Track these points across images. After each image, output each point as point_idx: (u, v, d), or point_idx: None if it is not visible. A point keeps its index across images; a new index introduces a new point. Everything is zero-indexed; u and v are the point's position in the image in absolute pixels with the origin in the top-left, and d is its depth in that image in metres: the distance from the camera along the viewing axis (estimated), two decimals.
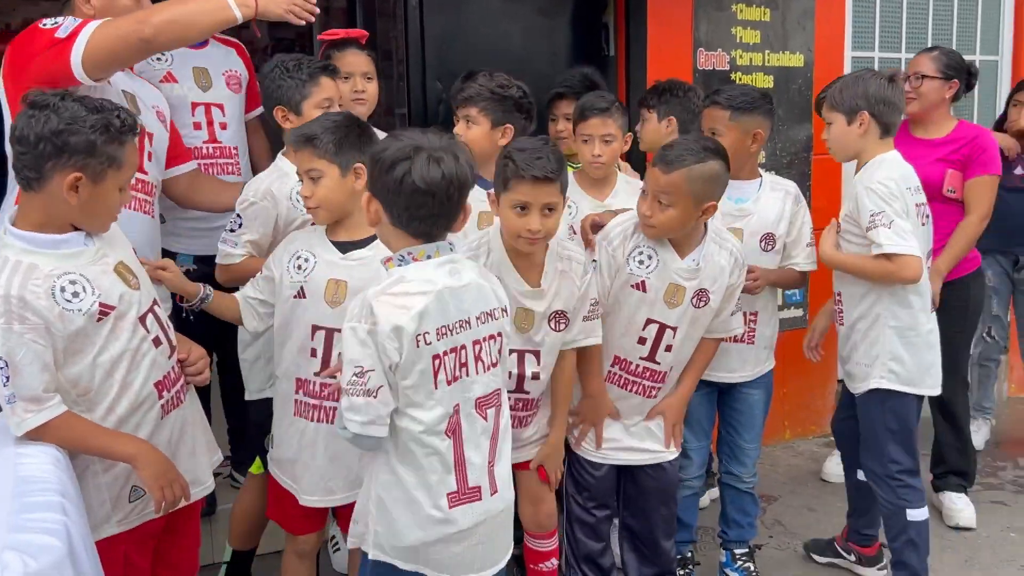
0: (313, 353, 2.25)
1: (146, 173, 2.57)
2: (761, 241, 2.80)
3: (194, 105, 2.93)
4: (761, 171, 2.90)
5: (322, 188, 2.22)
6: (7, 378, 1.80)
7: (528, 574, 2.66)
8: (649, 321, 2.49)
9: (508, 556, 2.03)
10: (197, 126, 2.93)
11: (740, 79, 3.99)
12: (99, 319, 1.89)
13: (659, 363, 2.54)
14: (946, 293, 3.22)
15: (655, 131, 3.08)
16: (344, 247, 2.27)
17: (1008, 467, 4.06)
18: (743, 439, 2.96)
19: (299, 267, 2.26)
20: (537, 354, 2.37)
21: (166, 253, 2.76)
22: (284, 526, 2.44)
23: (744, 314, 2.80)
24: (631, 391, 2.57)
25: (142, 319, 1.99)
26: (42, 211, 1.88)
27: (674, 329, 2.50)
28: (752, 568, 3.03)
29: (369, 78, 2.88)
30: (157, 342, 2.02)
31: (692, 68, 3.89)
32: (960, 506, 3.50)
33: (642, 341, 2.51)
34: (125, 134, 1.89)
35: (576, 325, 2.40)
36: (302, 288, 2.25)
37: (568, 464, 2.65)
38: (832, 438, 4.15)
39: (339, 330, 2.09)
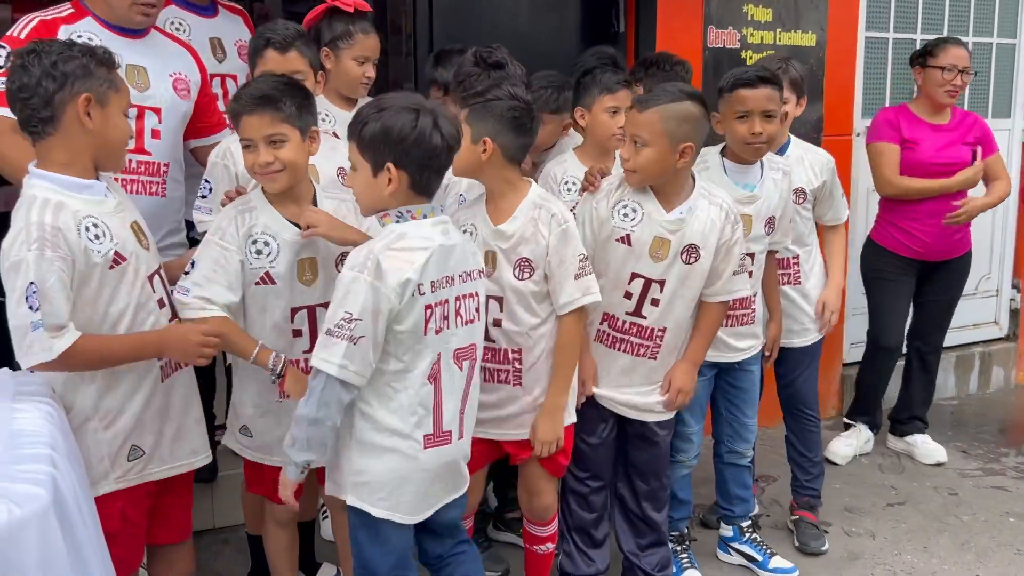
0: (298, 333, 2.25)
1: (148, 153, 2.54)
2: (765, 226, 2.79)
3: (211, 77, 2.90)
4: None
5: (287, 151, 2.13)
6: (37, 304, 1.84)
7: (525, 553, 2.68)
8: (634, 276, 2.47)
9: (463, 489, 2.18)
10: (215, 97, 2.91)
11: (751, 58, 3.95)
12: (112, 266, 1.96)
13: (645, 318, 2.50)
14: (957, 264, 3.82)
15: None
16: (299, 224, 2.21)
17: (1011, 453, 4.04)
18: (746, 415, 2.98)
19: (258, 252, 2.18)
20: (501, 301, 2.34)
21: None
22: (269, 497, 2.39)
23: (747, 298, 2.79)
24: (620, 350, 2.54)
25: (150, 278, 2.06)
26: (63, 150, 1.94)
27: (660, 283, 2.47)
28: (759, 538, 3.07)
29: (375, 63, 2.82)
30: (161, 303, 2.10)
31: (702, 46, 3.86)
32: (933, 446, 3.95)
33: (628, 296, 2.49)
34: (109, 59, 1.99)
35: (568, 285, 2.32)
36: (268, 274, 2.20)
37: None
38: (832, 420, 4.21)
39: (321, 305, 2.20)
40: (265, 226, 2.19)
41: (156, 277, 2.09)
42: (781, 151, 3.02)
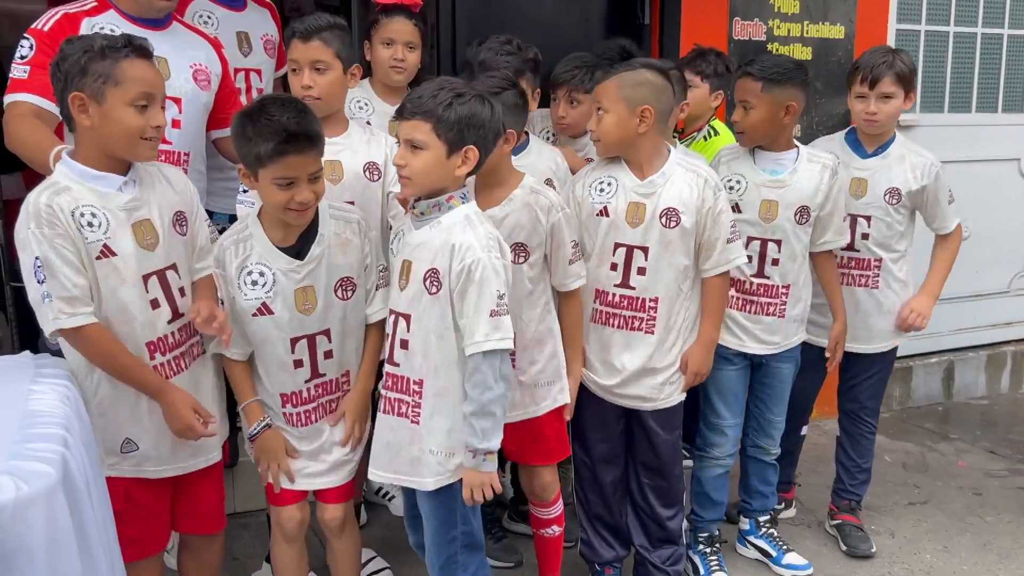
0: (299, 364, 2.24)
1: (169, 143, 2.53)
2: (796, 214, 2.77)
3: (235, 71, 2.92)
4: (797, 143, 2.84)
5: (320, 185, 2.17)
6: (44, 277, 1.91)
7: (534, 539, 2.70)
8: (617, 245, 2.51)
9: None
10: (237, 91, 2.90)
11: (777, 50, 3.92)
12: (98, 257, 1.98)
13: (634, 288, 2.51)
14: None
15: (703, 101, 3.10)
16: (295, 252, 2.20)
17: None
18: (772, 413, 2.96)
19: (253, 283, 2.18)
20: None
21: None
22: (274, 502, 2.37)
23: (775, 287, 2.80)
24: (614, 326, 2.55)
25: (145, 278, 2.04)
26: (81, 144, 2.01)
27: (644, 250, 2.49)
28: (776, 534, 3.04)
29: (412, 48, 2.84)
30: (155, 304, 2.06)
31: (727, 38, 3.83)
32: None
33: (614, 267, 2.52)
34: (113, 50, 1.95)
35: (560, 269, 2.43)
36: (265, 304, 2.19)
37: (574, 427, 2.68)
38: None
39: (321, 333, 2.23)
40: (260, 256, 2.19)
41: (155, 278, 2.06)
42: (883, 147, 2.94)
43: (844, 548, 3.10)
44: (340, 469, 2.35)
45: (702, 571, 2.87)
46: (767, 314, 2.82)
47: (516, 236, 2.36)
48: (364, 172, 2.50)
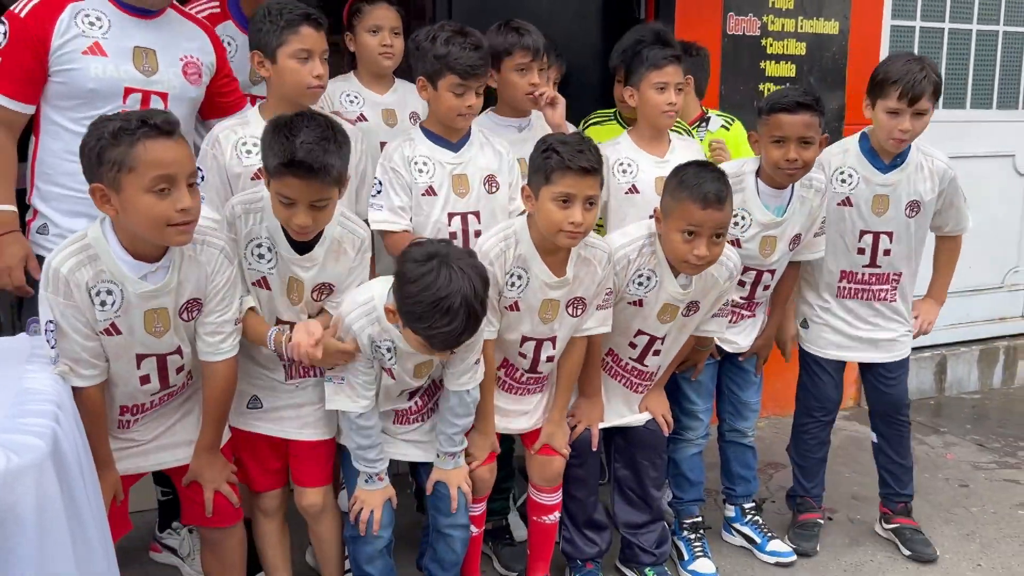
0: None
1: None
2: (790, 243, 2.79)
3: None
4: None
5: (327, 213, 2.14)
6: (55, 341, 1.95)
7: (532, 528, 2.72)
8: (640, 332, 2.59)
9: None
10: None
11: (771, 45, 3.95)
12: (102, 332, 1.99)
13: (647, 366, 2.67)
14: None
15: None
16: (298, 247, 2.21)
17: None
18: (746, 394, 3.02)
19: (260, 256, 2.20)
20: (553, 340, 2.47)
21: None
22: (249, 484, 2.41)
23: (759, 303, 2.90)
24: (619, 382, 2.70)
25: (141, 357, 2.06)
26: (115, 223, 1.94)
27: (663, 338, 2.62)
28: (761, 521, 3.08)
29: (397, 33, 2.81)
30: (144, 380, 2.09)
31: (721, 32, 3.86)
32: None
33: (633, 346, 2.63)
34: (127, 133, 1.82)
35: (590, 314, 2.49)
36: (264, 279, 2.22)
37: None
38: (850, 411, 4.18)
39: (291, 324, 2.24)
40: (269, 231, 2.20)
41: (151, 359, 2.07)
42: (901, 158, 2.83)
43: (907, 553, 3.02)
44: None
45: (686, 556, 2.91)
46: (748, 318, 2.91)
47: (577, 291, 2.43)
48: None
